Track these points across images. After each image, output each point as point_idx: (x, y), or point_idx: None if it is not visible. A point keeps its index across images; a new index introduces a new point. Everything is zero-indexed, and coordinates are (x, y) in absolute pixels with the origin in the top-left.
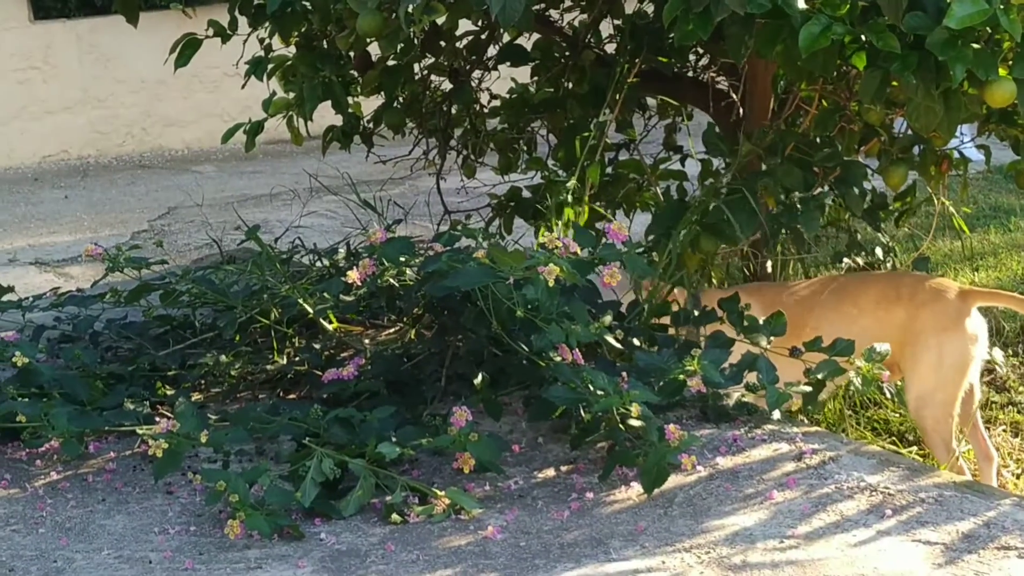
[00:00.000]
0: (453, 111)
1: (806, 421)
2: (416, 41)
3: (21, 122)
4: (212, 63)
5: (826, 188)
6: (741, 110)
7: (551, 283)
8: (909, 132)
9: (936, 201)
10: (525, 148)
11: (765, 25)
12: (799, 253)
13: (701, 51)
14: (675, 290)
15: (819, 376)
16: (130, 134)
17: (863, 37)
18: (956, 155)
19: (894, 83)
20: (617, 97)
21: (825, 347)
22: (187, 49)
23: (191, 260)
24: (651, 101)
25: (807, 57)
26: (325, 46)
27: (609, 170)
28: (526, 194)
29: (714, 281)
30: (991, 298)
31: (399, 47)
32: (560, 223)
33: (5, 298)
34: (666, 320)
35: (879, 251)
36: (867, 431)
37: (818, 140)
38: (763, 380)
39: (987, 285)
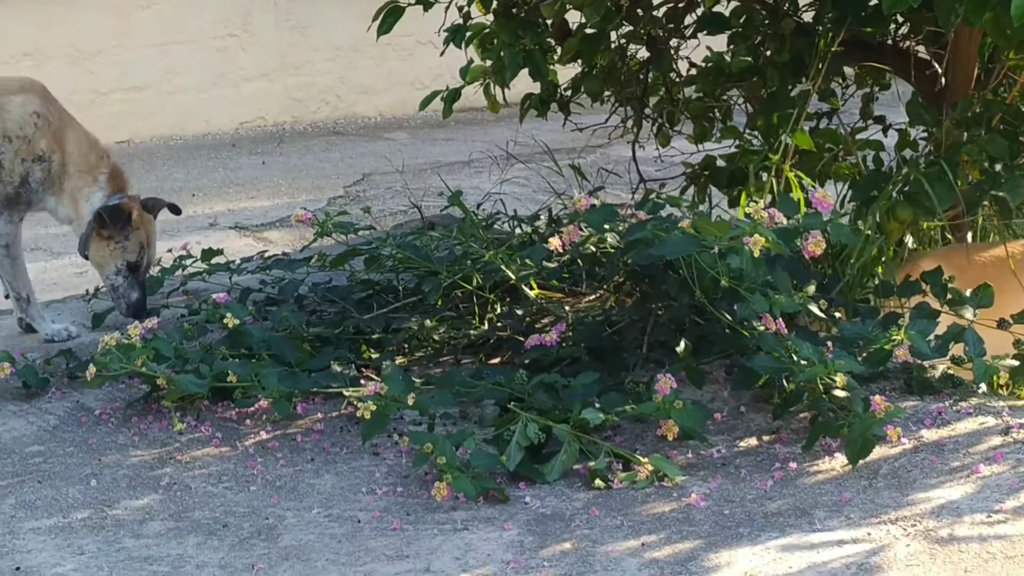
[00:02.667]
0: (650, 79)
1: (1013, 394)
2: (616, 9)
3: (219, 89)
4: (406, 31)
5: None
6: (944, 80)
7: (756, 253)
8: None
9: None
10: (721, 117)
11: None
12: (1003, 224)
13: (902, 19)
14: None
15: None
16: (325, 101)
17: None
18: None
19: None
20: (820, 66)
21: None
22: (390, 16)
23: (390, 226)
24: (848, 70)
25: (1018, 25)
26: (524, 14)
27: None
28: (720, 163)
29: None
30: None
31: (599, 15)
32: (762, 192)
33: (214, 261)
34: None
35: None
36: None
37: None
38: (970, 352)
39: None
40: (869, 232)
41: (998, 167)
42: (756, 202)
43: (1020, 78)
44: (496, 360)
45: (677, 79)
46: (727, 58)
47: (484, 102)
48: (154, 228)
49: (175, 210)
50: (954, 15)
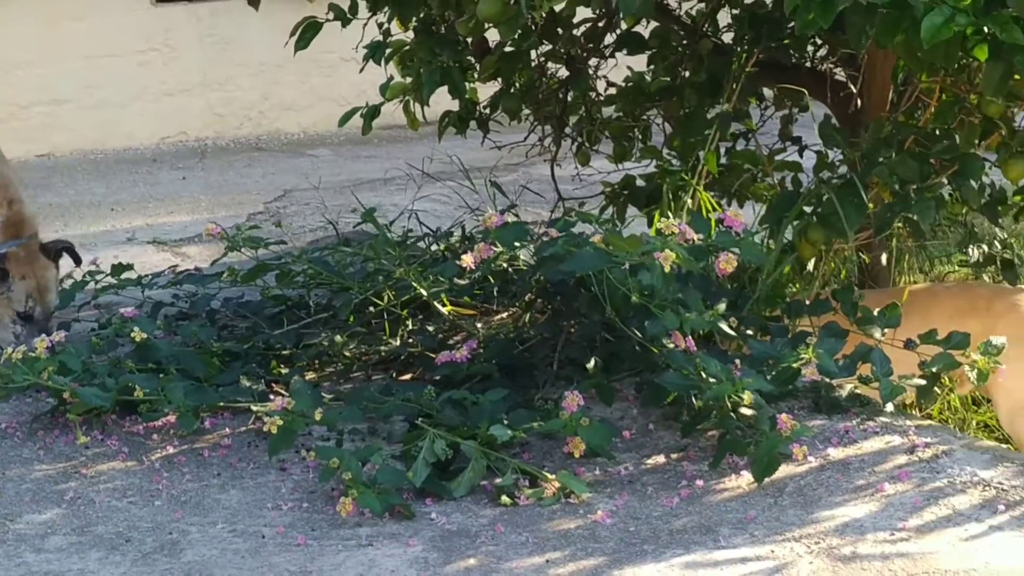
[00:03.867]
0: (569, 98)
1: (918, 415)
2: (534, 28)
3: (141, 103)
4: (329, 48)
5: (944, 181)
6: (859, 101)
7: (667, 269)
8: None
9: None
10: (640, 136)
11: (887, 14)
12: (916, 245)
13: (819, 41)
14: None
15: (934, 369)
16: (248, 117)
17: (986, 29)
18: None
19: (1016, 76)
20: (735, 86)
21: (940, 340)
22: (307, 32)
23: (306, 242)
24: (768, 92)
25: (928, 48)
26: (443, 31)
27: (724, 160)
28: (640, 183)
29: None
30: None
31: (517, 33)
32: (673, 211)
33: (124, 276)
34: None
35: (997, 245)
36: (979, 430)
37: (937, 133)
38: (877, 372)
39: None
40: (778, 251)
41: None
42: (668, 218)
43: (932, 100)
44: (407, 376)
45: (596, 98)
46: (647, 78)
47: (404, 119)
48: (51, 274)
49: (75, 258)
50: (865, 37)
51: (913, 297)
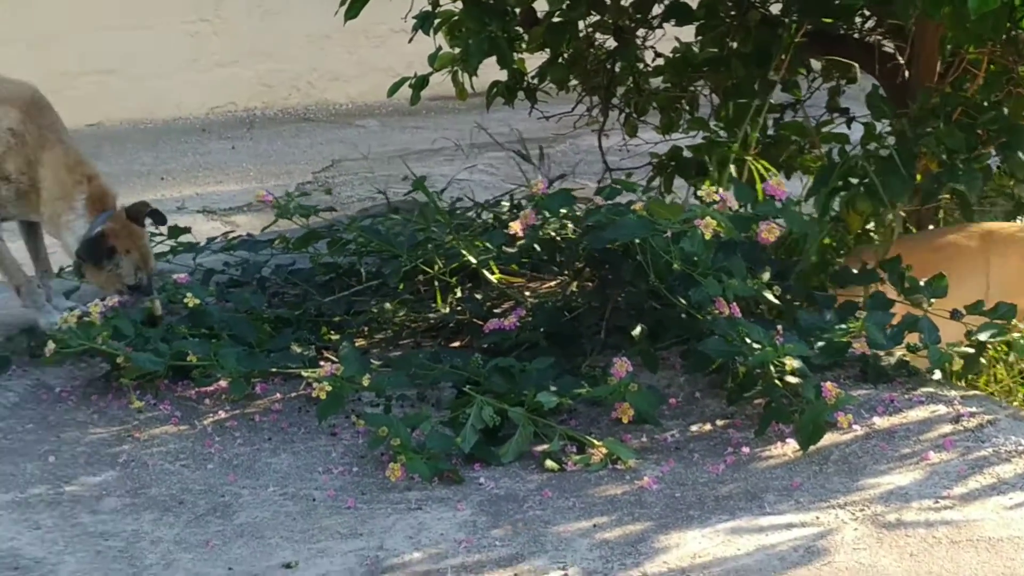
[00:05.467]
0: (616, 69)
1: (964, 384)
2: None
3: (190, 74)
4: (378, 19)
5: (991, 152)
6: (907, 73)
7: (707, 236)
8: None
9: None
10: (687, 107)
11: None
12: (963, 216)
13: (867, 12)
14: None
15: (980, 338)
16: (296, 87)
17: None
18: None
19: None
20: (783, 57)
21: (987, 310)
22: (357, 2)
23: (355, 211)
24: (815, 63)
25: (976, 19)
26: (492, 1)
27: (771, 131)
28: (687, 153)
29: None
30: None
31: (565, 3)
32: (723, 181)
33: (182, 238)
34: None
35: None
36: None
37: (985, 104)
38: (926, 340)
39: None
40: (823, 221)
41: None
42: (708, 186)
43: (980, 72)
44: (456, 344)
45: (644, 69)
46: (694, 49)
47: (452, 90)
48: (146, 240)
49: (159, 219)
50: (912, 8)
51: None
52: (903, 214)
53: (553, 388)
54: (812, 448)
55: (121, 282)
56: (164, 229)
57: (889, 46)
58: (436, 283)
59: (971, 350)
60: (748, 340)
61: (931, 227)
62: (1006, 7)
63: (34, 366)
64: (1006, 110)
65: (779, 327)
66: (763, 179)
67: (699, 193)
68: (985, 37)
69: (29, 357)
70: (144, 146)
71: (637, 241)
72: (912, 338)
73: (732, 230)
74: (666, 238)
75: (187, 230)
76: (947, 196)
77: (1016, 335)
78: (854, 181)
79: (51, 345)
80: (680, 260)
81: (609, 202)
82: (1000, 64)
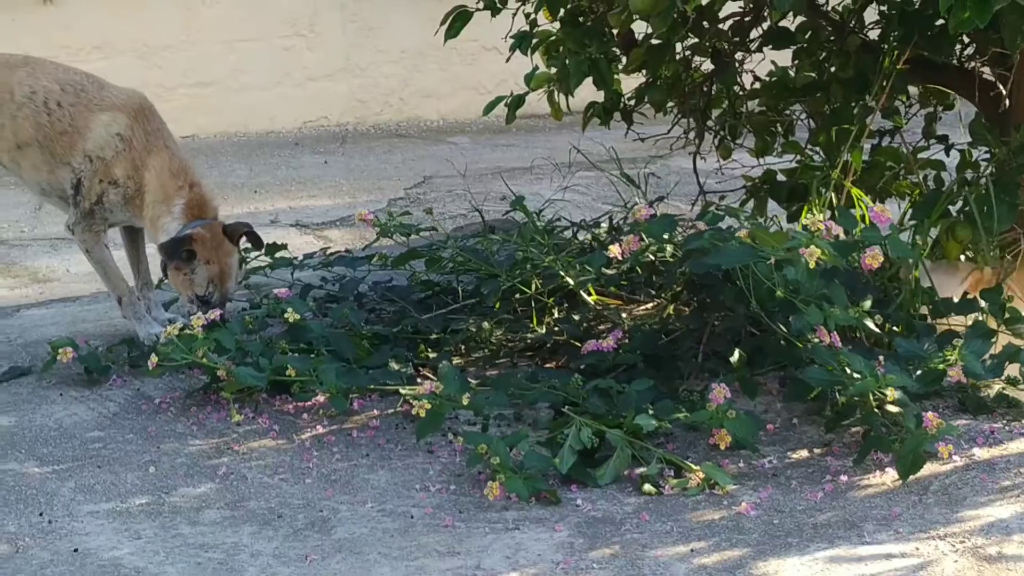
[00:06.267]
0: (713, 92)
1: None
2: (683, 21)
3: (284, 88)
4: (471, 36)
5: None
6: (1008, 101)
7: (812, 265)
8: None
9: None
10: (783, 131)
11: None
12: None
13: (968, 40)
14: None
15: None
16: (388, 103)
17: None
18: None
19: None
20: (883, 84)
21: None
22: (458, 21)
23: (449, 229)
24: (912, 89)
25: None
26: (591, 23)
27: (867, 157)
28: (781, 177)
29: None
30: None
31: (666, 26)
32: (821, 207)
33: (279, 255)
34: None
35: None
36: None
37: None
38: None
39: None
40: (925, 249)
41: None
42: (815, 214)
43: None
44: (552, 364)
45: (741, 92)
46: (791, 73)
47: (546, 109)
48: (233, 259)
49: (256, 242)
50: (1021, 37)
51: None
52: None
53: (651, 411)
54: (912, 478)
55: (192, 290)
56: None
57: (990, 74)
58: (533, 303)
59: None
60: (848, 370)
61: None
62: None
63: (134, 376)
64: None
65: (880, 358)
66: (861, 205)
67: (804, 221)
68: None
69: (129, 367)
70: (238, 159)
71: (738, 267)
72: (1013, 370)
73: (836, 258)
74: (769, 265)
75: (284, 247)
76: None
77: None
78: (953, 209)
79: (154, 358)
80: (783, 287)
81: (711, 227)
82: None
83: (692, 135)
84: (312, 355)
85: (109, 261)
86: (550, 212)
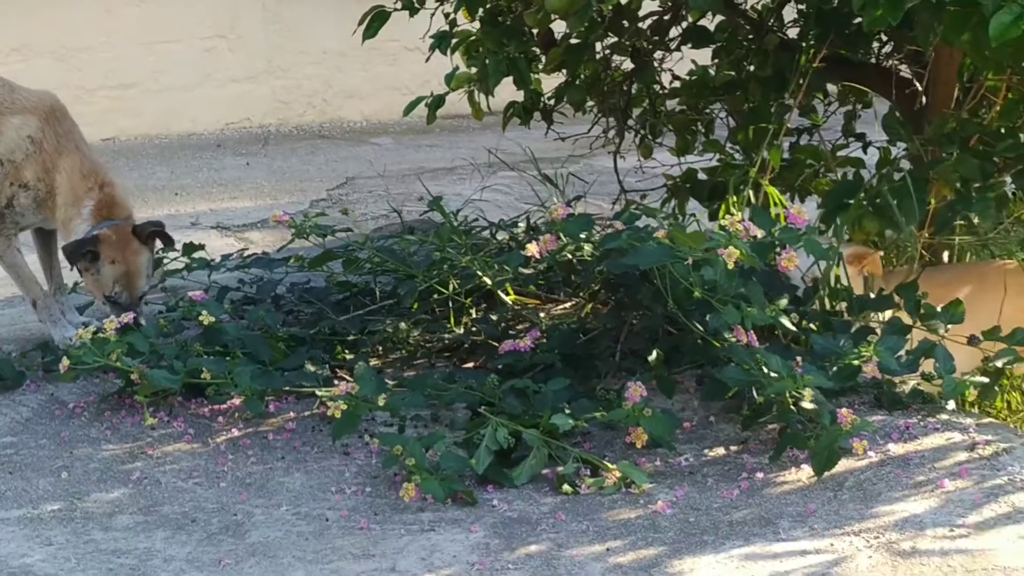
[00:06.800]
0: (633, 91)
1: (980, 412)
2: (601, 20)
3: (205, 89)
4: (393, 36)
5: (1007, 180)
6: (924, 99)
7: (730, 265)
8: None
9: None
10: (703, 130)
11: (955, 12)
12: (978, 244)
13: (885, 38)
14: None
15: (998, 365)
16: (311, 104)
17: None
18: None
19: None
20: (801, 82)
21: (1004, 336)
22: (375, 21)
23: (369, 230)
24: (831, 88)
25: (996, 46)
26: (510, 22)
27: (786, 155)
28: (702, 176)
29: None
30: None
31: (584, 25)
32: (739, 205)
33: (196, 255)
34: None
35: None
36: None
37: (1002, 131)
38: (940, 369)
39: None
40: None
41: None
42: (733, 214)
43: (998, 99)
44: (470, 364)
45: (661, 91)
46: (711, 72)
47: (469, 109)
48: (142, 260)
49: (166, 241)
50: (933, 34)
51: (979, 273)
52: (920, 238)
53: (568, 410)
54: (827, 474)
55: (99, 290)
56: (179, 246)
57: (907, 72)
58: (451, 303)
59: (986, 379)
60: (766, 369)
61: (946, 254)
62: None
63: (48, 381)
64: (1023, 138)
65: (798, 358)
66: (781, 203)
67: (722, 222)
68: (1005, 64)
69: (43, 372)
70: (159, 161)
71: (656, 267)
72: (927, 366)
73: (754, 259)
74: (687, 265)
75: (201, 247)
76: (962, 223)
77: None
78: (863, 201)
79: (65, 361)
80: (700, 287)
81: (628, 226)
82: (1019, 91)
83: (612, 134)
84: (228, 358)
85: (22, 265)
86: (473, 212)
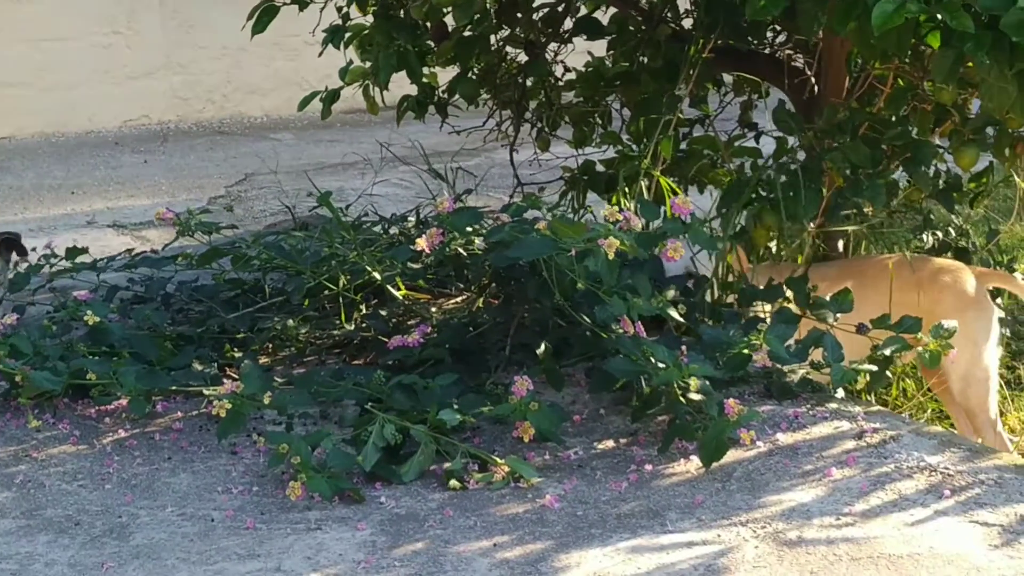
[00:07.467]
0: (528, 83)
1: (869, 400)
2: (491, 12)
3: (103, 86)
4: (292, 31)
5: (896, 167)
6: (815, 88)
7: (611, 255)
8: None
9: (1019, 183)
10: (599, 122)
11: (838, 2)
12: (871, 232)
13: (778, 28)
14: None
15: (886, 353)
16: (211, 100)
17: (938, 16)
18: None
19: (968, 63)
20: (691, 72)
21: (892, 324)
22: (264, 16)
23: (265, 226)
24: (727, 78)
25: (880, 35)
26: (401, 15)
27: (683, 146)
28: (600, 168)
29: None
30: (999, 280)
31: (474, 18)
32: (628, 196)
33: (79, 259)
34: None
35: (952, 232)
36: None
37: (891, 119)
38: (828, 358)
39: None
40: (726, 237)
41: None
42: (624, 205)
43: (886, 87)
44: (361, 361)
45: (556, 83)
46: (607, 63)
47: (365, 103)
48: None
49: (19, 250)
50: (816, 24)
51: (860, 268)
52: (812, 230)
53: (456, 406)
54: (715, 465)
55: None
56: (64, 249)
57: (799, 61)
58: (341, 300)
59: (875, 367)
60: (652, 359)
61: (840, 243)
62: (910, 23)
63: None
64: (911, 126)
65: (684, 347)
66: (675, 193)
67: (603, 213)
68: (890, 53)
69: None
70: (55, 160)
71: (541, 259)
72: (817, 355)
73: (637, 249)
74: (570, 257)
75: (84, 251)
76: (854, 211)
77: (921, 348)
78: (762, 195)
79: None
80: (584, 279)
81: (515, 219)
82: (906, 79)
83: (508, 127)
84: (114, 358)
85: None
86: (370, 207)
